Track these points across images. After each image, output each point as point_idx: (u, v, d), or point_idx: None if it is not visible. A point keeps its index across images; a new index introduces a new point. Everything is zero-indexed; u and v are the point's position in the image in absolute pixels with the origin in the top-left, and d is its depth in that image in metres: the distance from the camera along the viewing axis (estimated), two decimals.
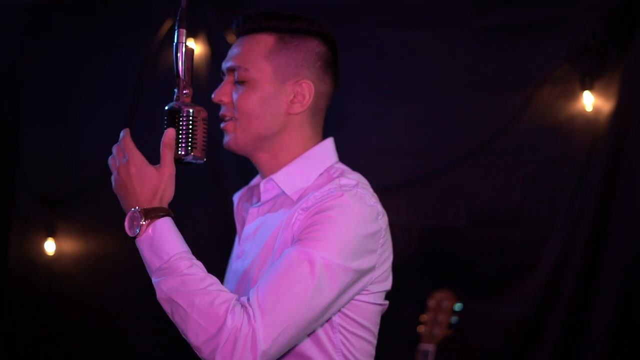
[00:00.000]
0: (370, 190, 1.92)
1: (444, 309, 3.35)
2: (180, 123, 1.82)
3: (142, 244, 1.75)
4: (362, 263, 1.79)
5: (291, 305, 1.67)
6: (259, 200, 2.03)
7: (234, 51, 1.99)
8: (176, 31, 1.82)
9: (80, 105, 4.54)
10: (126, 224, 1.76)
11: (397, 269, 3.67)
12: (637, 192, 3.37)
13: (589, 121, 3.46)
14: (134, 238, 1.76)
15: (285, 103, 1.95)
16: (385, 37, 3.82)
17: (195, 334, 1.65)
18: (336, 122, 3.86)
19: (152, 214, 1.74)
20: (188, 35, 1.83)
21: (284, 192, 1.94)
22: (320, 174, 1.94)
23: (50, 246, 4.54)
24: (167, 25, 4.11)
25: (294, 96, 1.95)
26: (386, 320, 3.68)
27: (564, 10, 3.51)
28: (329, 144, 2.04)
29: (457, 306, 3.34)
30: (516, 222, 3.63)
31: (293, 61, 1.95)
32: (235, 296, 1.68)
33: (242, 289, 1.96)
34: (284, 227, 1.86)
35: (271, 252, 1.87)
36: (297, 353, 1.84)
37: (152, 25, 4.17)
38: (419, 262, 3.79)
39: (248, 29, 1.98)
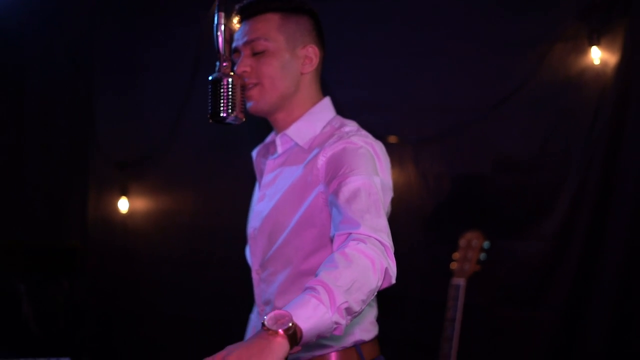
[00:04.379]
0: (364, 131, 2.46)
1: (474, 247, 3.83)
2: (222, 90, 2.28)
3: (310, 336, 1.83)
4: (380, 175, 2.28)
5: (379, 214, 2.10)
6: (275, 152, 2.53)
7: (246, 29, 2.47)
8: (216, 14, 2.30)
9: (146, 75, 5.05)
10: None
11: (432, 212, 4.29)
12: None
13: (597, 73, 3.91)
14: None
15: (299, 65, 2.48)
16: (413, 3, 4.32)
17: (376, 285, 1.94)
18: (375, 82, 4.42)
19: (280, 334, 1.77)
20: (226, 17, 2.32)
21: (296, 144, 2.45)
22: (324, 126, 2.48)
23: (123, 204, 5.05)
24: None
25: (304, 59, 2.49)
26: (422, 258, 4.28)
27: None
28: (328, 101, 2.59)
29: (485, 244, 3.81)
30: (535, 167, 4.08)
31: (298, 32, 2.48)
32: (350, 248, 1.94)
33: (266, 225, 2.45)
34: (307, 167, 2.34)
35: (295, 193, 2.36)
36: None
37: (208, 2, 4.73)
38: (451, 206, 4.27)
39: (255, 11, 2.48)
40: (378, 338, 2.58)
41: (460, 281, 3.77)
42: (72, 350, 4.28)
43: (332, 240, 2.12)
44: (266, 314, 1.79)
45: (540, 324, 4.06)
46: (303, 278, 2.32)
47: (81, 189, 5.20)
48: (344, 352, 2.43)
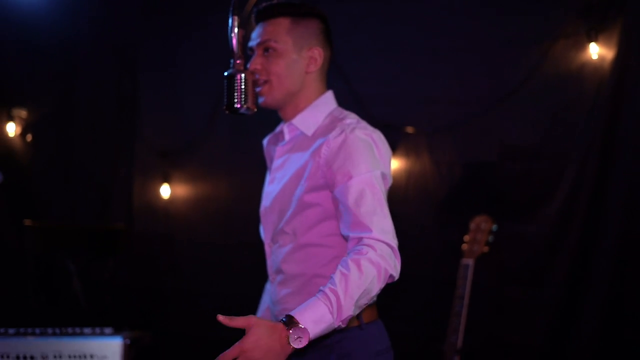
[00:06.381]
0: (364, 122, 2.69)
1: (483, 230, 4.10)
2: (235, 84, 2.54)
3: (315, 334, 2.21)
4: (380, 166, 2.55)
5: (384, 213, 2.41)
6: (283, 139, 2.77)
7: (259, 32, 2.73)
8: (230, 18, 2.57)
9: (186, 71, 5.34)
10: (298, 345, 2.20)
11: (444, 198, 4.56)
12: (635, 126, 4.10)
13: (595, 68, 4.18)
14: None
15: (304, 65, 2.71)
16: (426, 4, 4.62)
17: (379, 289, 2.31)
18: (392, 77, 4.71)
19: (296, 336, 2.18)
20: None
21: (302, 133, 2.69)
22: (326, 116, 2.72)
23: (165, 191, 5.34)
24: (252, 1, 4.89)
25: (309, 60, 2.72)
26: (434, 239, 4.54)
27: None
28: (330, 95, 2.80)
29: (494, 227, 4.09)
30: (539, 155, 4.35)
31: (305, 35, 2.71)
32: (353, 257, 2.27)
33: (275, 204, 2.71)
34: (312, 154, 2.58)
35: (301, 176, 2.60)
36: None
37: (242, 3, 5.06)
38: (461, 192, 4.55)
39: (269, 15, 2.74)
40: (376, 304, 2.77)
41: (469, 261, 4.05)
42: (114, 322, 4.41)
43: (346, 239, 2.43)
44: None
45: (542, 301, 4.32)
46: (304, 249, 2.61)
47: (127, 176, 5.51)
48: None
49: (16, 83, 5.56)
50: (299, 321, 2.16)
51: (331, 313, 2.19)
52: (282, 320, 2.19)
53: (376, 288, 2.28)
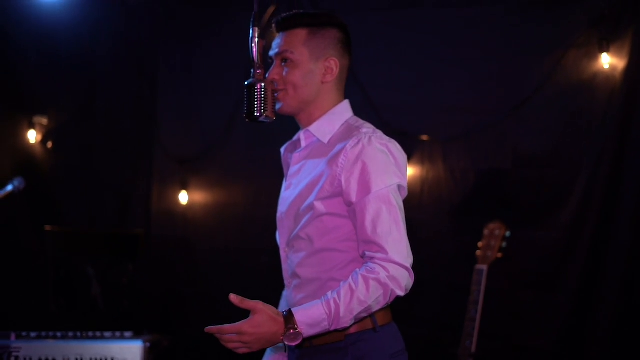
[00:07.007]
0: (380, 132, 2.71)
1: (496, 236, 4.17)
2: (255, 93, 2.63)
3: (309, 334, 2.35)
4: (396, 178, 2.60)
5: (400, 232, 2.45)
6: (299, 147, 2.80)
7: (278, 42, 2.76)
8: (251, 29, 2.65)
9: (203, 80, 5.43)
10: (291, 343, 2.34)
11: (459, 204, 4.63)
12: None
13: (607, 77, 4.26)
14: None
15: (320, 75, 2.73)
16: (442, 14, 4.71)
17: (381, 307, 2.41)
18: (408, 86, 4.79)
19: (290, 335, 2.32)
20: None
21: (318, 140, 2.74)
22: (342, 124, 2.75)
23: (184, 197, 5.44)
24: (270, 10, 4.88)
25: (325, 70, 2.74)
26: (449, 245, 4.61)
27: None
28: (346, 103, 2.82)
29: (507, 234, 4.16)
30: (551, 162, 4.42)
31: (322, 45, 2.73)
32: (361, 274, 2.36)
33: (291, 209, 2.74)
34: (329, 162, 2.62)
35: (317, 183, 2.64)
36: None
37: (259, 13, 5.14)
38: (475, 199, 4.63)
39: (287, 25, 2.70)
40: (390, 306, 2.83)
41: (483, 267, 4.13)
42: (134, 326, 4.60)
43: (362, 255, 2.49)
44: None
45: (555, 307, 4.39)
46: (319, 254, 2.64)
47: (145, 182, 5.62)
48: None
49: (37, 91, 5.68)
50: (296, 322, 2.31)
51: (328, 321, 2.33)
52: (283, 314, 2.34)
53: (378, 306, 2.39)
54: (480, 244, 4.21)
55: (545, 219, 4.45)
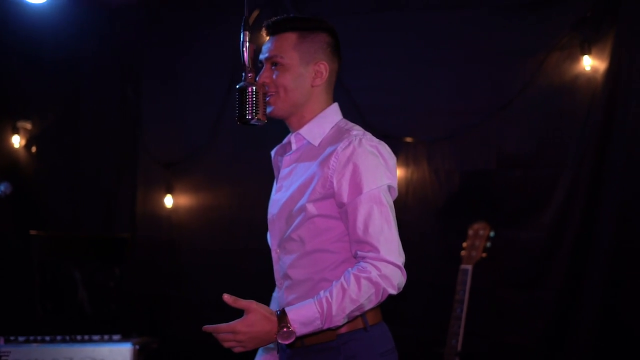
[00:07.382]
0: (369, 134, 2.75)
1: (481, 236, 4.21)
2: (247, 97, 2.66)
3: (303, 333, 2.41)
4: (386, 178, 2.65)
5: (391, 230, 2.50)
6: (290, 149, 2.84)
7: (268, 46, 2.79)
8: (241, 33, 2.67)
9: (188, 83, 5.47)
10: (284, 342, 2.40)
11: (444, 205, 4.66)
12: (628, 135, 4.22)
13: (588, 79, 4.32)
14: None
15: (310, 79, 2.76)
16: (425, 17, 4.76)
17: (373, 305, 2.46)
18: (392, 88, 4.84)
19: (284, 333, 2.38)
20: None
21: (308, 142, 2.77)
22: (332, 127, 2.78)
23: (168, 200, 5.48)
24: (254, 14, 4.86)
25: (315, 74, 2.77)
26: (434, 246, 4.64)
27: None
28: (335, 106, 2.87)
29: (491, 234, 4.21)
30: (535, 163, 4.47)
31: (312, 49, 2.76)
32: (352, 273, 2.41)
33: (283, 211, 2.77)
34: (320, 164, 2.66)
35: (308, 185, 2.68)
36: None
37: (243, 16, 5.15)
38: (460, 199, 4.68)
39: (277, 29, 2.74)
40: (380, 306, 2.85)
41: (468, 267, 4.17)
42: (121, 328, 4.59)
43: (354, 255, 2.53)
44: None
45: (539, 305, 4.45)
46: (311, 255, 2.68)
47: (130, 186, 5.66)
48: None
49: (21, 96, 5.70)
50: (289, 320, 2.36)
51: (321, 320, 2.38)
52: (277, 313, 2.39)
53: (370, 305, 2.44)
54: (464, 244, 4.25)
55: (529, 219, 4.50)
